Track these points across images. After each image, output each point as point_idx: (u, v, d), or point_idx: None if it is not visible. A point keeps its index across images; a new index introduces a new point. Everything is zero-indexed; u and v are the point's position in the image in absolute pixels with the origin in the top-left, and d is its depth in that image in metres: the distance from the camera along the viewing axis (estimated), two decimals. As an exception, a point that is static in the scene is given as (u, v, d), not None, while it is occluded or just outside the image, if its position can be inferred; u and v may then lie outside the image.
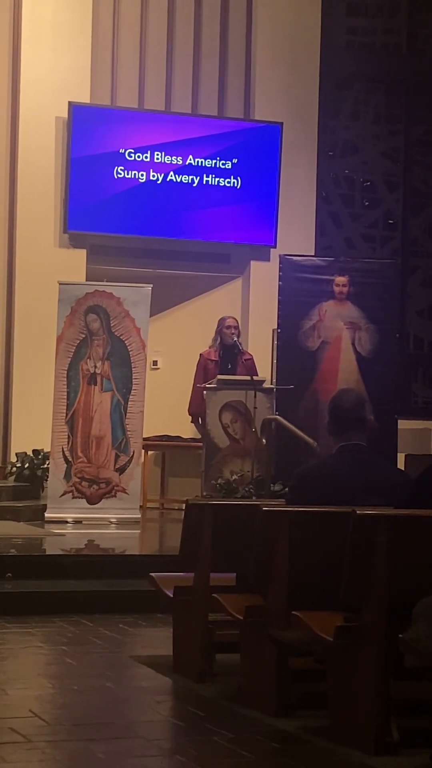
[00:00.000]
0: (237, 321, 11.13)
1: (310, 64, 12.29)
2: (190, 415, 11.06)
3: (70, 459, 10.08)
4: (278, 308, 11.15)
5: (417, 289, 13.20)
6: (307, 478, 5.21)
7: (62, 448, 10.08)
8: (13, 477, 10.89)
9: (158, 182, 11.70)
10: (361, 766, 4.33)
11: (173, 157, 11.72)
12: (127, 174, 11.63)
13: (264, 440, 10.23)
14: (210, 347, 11.04)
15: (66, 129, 11.42)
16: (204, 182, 11.83)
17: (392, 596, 4.47)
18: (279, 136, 11.92)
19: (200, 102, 12.13)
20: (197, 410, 10.87)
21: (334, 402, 5.30)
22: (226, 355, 10.97)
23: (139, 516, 10.25)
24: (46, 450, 10.47)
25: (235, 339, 10.91)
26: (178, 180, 11.75)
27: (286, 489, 8.38)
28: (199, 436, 10.98)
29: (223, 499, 9.46)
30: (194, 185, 11.79)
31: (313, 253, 11.95)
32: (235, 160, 11.90)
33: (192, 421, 11.12)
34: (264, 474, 10.23)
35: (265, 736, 4.64)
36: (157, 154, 11.67)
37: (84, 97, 11.52)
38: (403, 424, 11.53)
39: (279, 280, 11.14)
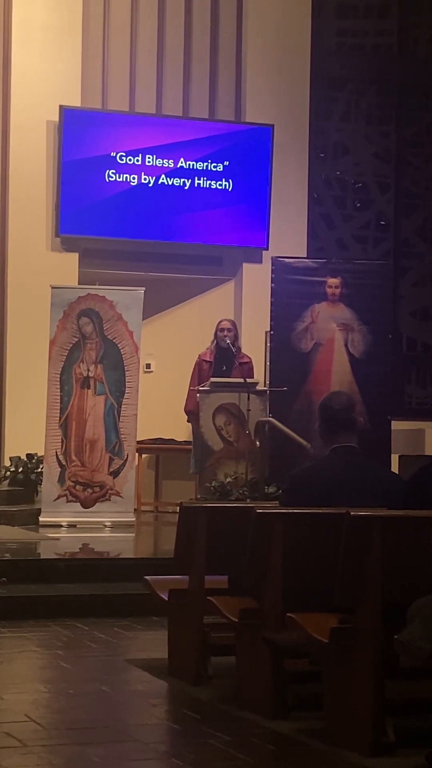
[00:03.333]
0: (233, 324, 11.11)
1: (300, 65, 12.30)
2: (186, 413, 11.05)
3: (64, 463, 10.07)
4: (271, 310, 11.14)
5: (409, 290, 13.21)
6: (300, 481, 5.22)
7: (56, 452, 10.07)
8: (7, 481, 10.86)
9: (150, 185, 11.70)
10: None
11: (164, 160, 11.72)
12: (119, 177, 11.63)
13: (258, 442, 10.23)
14: (207, 348, 11.05)
15: (57, 133, 11.42)
16: (195, 185, 11.83)
17: (387, 597, 4.47)
18: (270, 138, 11.92)
19: (191, 105, 12.14)
20: (192, 407, 10.87)
21: (324, 404, 5.32)
22: (222, 357, 10.97)
23: (134, 519, 10.24)
24: (39, 454, 10.45)
25: (229, 342, 10.90)
26: (170, 183, 11.75)
27: (280, 491, 8.37)
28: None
29: (217, 501, 9.45)
30: (186, 188, 11.79)
31: (305, 255, 11.95)
32: (226, 163, 11.90)
33: (188, 420, 11.11)
34: (258, 476, 10.23)
35: (262, 739, 4.64)
36: (149, 157, 11.68)
37: (75, 101, 11.52)
38: (396, 425, 11.53)
39: (271, 282, 11.14)
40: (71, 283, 11.08)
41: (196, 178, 11.83)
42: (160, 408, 11.31)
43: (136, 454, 10.56)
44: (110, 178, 11.60)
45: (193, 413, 10.90)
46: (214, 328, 11.06)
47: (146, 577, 6.15)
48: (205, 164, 11.85)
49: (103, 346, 10.17)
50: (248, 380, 10.55)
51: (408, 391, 13.13)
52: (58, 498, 10.05)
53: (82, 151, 11.49)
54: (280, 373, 10.99)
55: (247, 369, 10.90)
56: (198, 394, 10.52)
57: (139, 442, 10.62)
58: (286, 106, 12.19)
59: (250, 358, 11.08)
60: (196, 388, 10.64)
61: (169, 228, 11.80)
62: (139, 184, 11.67)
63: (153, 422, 11.21)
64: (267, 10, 12.18)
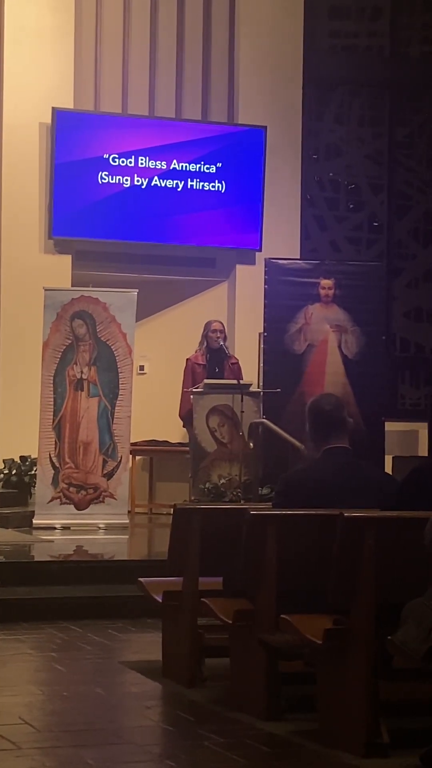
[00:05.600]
0: (223, 325, 11.13)
1: (293, 67, 12.30)
2: (181, 419, 11.04)
3: (58, 465, 10.06)
4: (264, 312, 11.15)
5: (402, 291, 13.22)
6: (293, 483, 5.21)
7: (49, 454, 10.07)
8: (0, 483, 10.86)
9: (143, 187, 11.70)
10: (352, 769, 4.33)
11: (157, 162, 11.72)
12: (112, 179, 11.62)
13: (251, 444, 10.23)
14: (197, 351, 11.04)
15: (50, 135, 11.41)
16: (188, 186, 11.83)
17: (380, 598, 4.48)
18: (263, 140, 11.92)
19: (184, 106, 12.14)
20: (188, 414, 10.87)
21: (315, 406, 5.27)
22: (213, 359, 10.97)
23: (128, 521, 10.23)
24: (33, 456, 10.45)
25: (221, 343, 10.91)
26: (163, 185, 11.75)
27: (274, 493, 8.37)
28: (187, 441, 10.97)
29: (210, 503, 9.45)
30: (179, 190, 11.79)
31: (298, 257, 11.96)
32: (219, 164, 11.90)
33: (184, 426, 11.10)
34: (252, 478, 10.23)
35: (256, 740, 4.64)
36: (142, 159, 11.68)
37: (67, 103, 11.51)
38: (390, 426, 11.54)
39: (265, 284, 11.14)
40: (64, 285, 11.07)
41: (189, 179, 11.83)
42: (153, 410, 11.30)
43: (130, 456, 10.55)
44: (103, 180, 11.60)
45: (187, 419, 10.90)
46: (203, 330, 11.05)
47: (140, 579, 6.14)
48: (198, 166, 11.85)
49: (97, 348, 10.17)
50: (242, 382, 10.54)
51: (401, 392, 13.14)
52: (51, 500, 10.04)
53: (75, 153, 11.48)
54: (273, 374, 10.99)
55: (237, 369, 10.91)
56: (192, 396, 10.52)
57: (132, 444, 10.61)
58: (278, 107, 12.19)
59: (237, 359, 11.09)
60: (190, 390, 10.63)
61: (162, 230, 11.80)
62: (132, 185, 11.67)
63: (147, 424, 11.20)
64: (259, 12, 12.18)
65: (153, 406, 11.30)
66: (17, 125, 11.41)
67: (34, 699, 5.35)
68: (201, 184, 11.86)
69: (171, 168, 11.76)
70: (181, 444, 11.37)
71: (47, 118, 11.37)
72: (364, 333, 11.22)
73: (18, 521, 10.03)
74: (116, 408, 10.13)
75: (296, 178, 12.35)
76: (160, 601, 5.80)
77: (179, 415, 11.01)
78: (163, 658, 5.86)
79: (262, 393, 10.73)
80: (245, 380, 10.75)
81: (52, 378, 10.09)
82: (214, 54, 12.24)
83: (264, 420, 10.36)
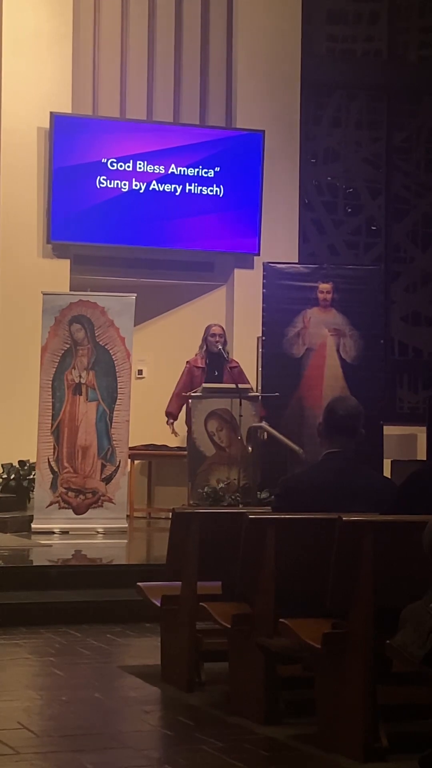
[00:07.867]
0: (223, 329, 11.13)
1: (291, 71, 12.32)
2: (166, 415, 11.02)
3: (56, 469, 10.06)
4: (262, 316, 11.15)
5: (400, 295, 13.22)
6: (292, 487, 5.21)
7: (48, 459, 10.06)
8: (-1, 488, 10.87)
9: (141, 191, 11.71)
10: (351, 773, 4.33)
11: (155, 166, 11.73)
12: (110, 183, 11.63)
13: (250, 448, 10.23)
14: (196, 354, 11.05)
15: (48, 139, 11.42)
16: (187, 191, 11.84)
17: (379, 602, 4.48)
18: (261, 144, 11.94)
19: (182, 111, 12.15)
20: (173, 410, 10.90)
21: (331, 406, 5.29)
22: (213, 362, 10.98)
23: (126, 525, 10.23)
24: (32, 461, 10.45)
25: (220, 347, 10.92)
26: (161, 189, 11.76)
27: (273, 497, 8.37)
28: (185, 445, 10.97)
29: (209, 507, 9.45)
30: (177, 194, 11.80)
31: (296, 261, 11.97)
32: (217, 169, 11.91)
33: (167, 422, 11.07)
34: (250, 482, 10.23)
35: (254, 744, 4.64)
36: (140, 164, 11.69)
37: (66, 107, 11.52)
38: (388, 430, 11.54)
39: (263, 288, 11.14)
40: (63, 289, 11.07)
41: (187, 184, 11.84)
42: (152, 414, 11.30)
43: (129, 461, 10.55)
44: (101, 185, 11.61)
45: (172, 415, 10.92)
46: (203, 333, 11.06)
47: (139, 583, 6.15)
48: (196, 170, 11.86)
49: (95, 353, 10.17)
50: (240, 386, 10.54)
51: (400, 396, 13.14)
52: (50, 504, 10.04)
53: (73, 158, 11.49)
54: (271, 378, 10.99)
55: (237, 373, 10.91)
56: (190, 400, 10.52)
57: (131, 449, 10.61)
58: (276, 111, 12.20)
59: (237, 363, 11.09)
60: (188, 394, 10.64)
61: (160, 234, 11.81)
62: (130, 190, 11.68)
63: (145, 428, 11.20)
64: (257, 16, 12.20)
65: (151, 411, 11.29)
66: (16, 130, 11.43)
67: (33, 704, 5.35)
68: (199, 188, 11.87)
69: (169, 172, 11.77)
70: (179, 448, 11.37)
71: (45, 123, 11.38)
72: (363, 337, 11.22)
73: (17, 526, 10.03)
74: (115, 412, 10.14)
75: (294, 182, 12.36)
76: (159, 605, 5.80)
77: (165, 411, 11.00)
78: (162, 663, 5.86)
79: (260, 397, 10.73)
80: (244, 384, 10.75)
81: (50, 382, 10.09)
82: (212, 58, 12.25)
83: (263, 424, 10.36)
